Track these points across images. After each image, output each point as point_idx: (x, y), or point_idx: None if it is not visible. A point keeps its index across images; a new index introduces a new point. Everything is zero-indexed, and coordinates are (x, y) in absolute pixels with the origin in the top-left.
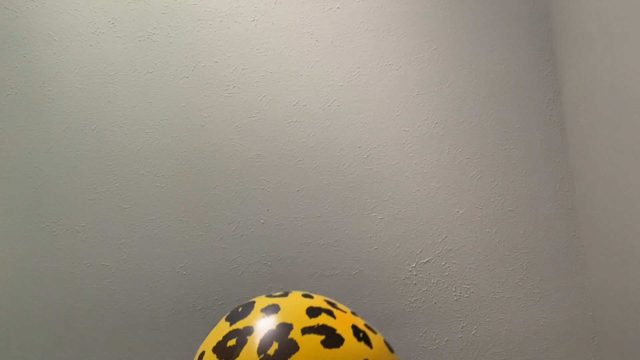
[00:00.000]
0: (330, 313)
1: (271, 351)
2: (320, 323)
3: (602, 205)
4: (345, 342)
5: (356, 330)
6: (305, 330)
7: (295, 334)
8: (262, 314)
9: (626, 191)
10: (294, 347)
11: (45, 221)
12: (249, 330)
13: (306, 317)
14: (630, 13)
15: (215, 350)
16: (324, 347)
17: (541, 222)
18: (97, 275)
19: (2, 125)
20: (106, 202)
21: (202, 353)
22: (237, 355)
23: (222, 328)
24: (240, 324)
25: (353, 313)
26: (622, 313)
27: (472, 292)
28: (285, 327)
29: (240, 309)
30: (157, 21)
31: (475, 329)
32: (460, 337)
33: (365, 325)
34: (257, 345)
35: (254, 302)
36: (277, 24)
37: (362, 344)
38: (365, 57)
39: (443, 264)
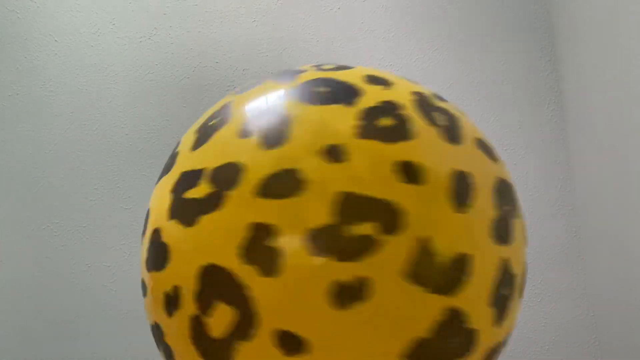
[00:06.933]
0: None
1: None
2: None
3: (602, 205)
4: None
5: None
6: None
7: None
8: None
9: (626, 191)
10: None
11: (46, 222)
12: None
13: None
14: (631, 13)
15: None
16: None
17: (541, 222)
18: (97, 275)
19: (3, 126)
20: (107, 203)
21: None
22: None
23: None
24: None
25: None
26: (622, 313)
27: None
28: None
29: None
30: (158, 22)
31: None
32: None
33: None
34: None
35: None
36: (278, 25)
37: None
38: (366, 57)
39: None
